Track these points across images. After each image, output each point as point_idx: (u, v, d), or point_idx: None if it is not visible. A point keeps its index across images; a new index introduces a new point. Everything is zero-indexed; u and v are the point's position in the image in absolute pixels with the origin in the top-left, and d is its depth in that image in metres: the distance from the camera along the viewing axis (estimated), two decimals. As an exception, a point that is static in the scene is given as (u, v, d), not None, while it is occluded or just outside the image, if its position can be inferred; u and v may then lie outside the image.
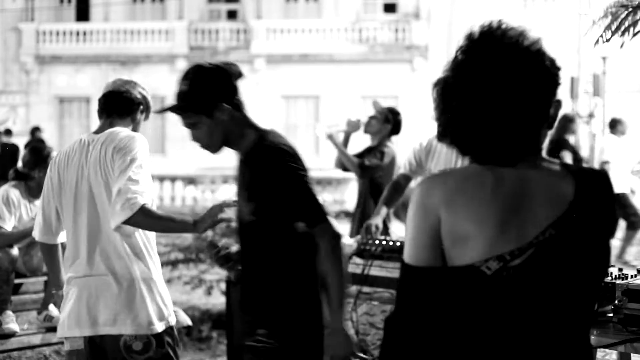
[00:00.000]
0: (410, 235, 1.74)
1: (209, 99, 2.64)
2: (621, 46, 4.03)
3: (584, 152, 24.00)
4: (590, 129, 23.48)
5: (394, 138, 6.08)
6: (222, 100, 2.64)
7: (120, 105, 3.38)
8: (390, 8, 26.84)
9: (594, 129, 23.29)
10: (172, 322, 3.32)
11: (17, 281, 5.09)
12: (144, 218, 3.01)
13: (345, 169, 6.12)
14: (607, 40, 4.02)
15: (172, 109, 2.73)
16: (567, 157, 8.19)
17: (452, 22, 25.85)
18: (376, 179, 5.92)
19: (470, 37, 1.74)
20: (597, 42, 4.07)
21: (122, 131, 3.26)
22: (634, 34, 3.97)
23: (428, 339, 1.72)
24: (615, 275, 3.06)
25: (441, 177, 1.76)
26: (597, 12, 4.16)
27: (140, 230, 3.19)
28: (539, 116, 1.72)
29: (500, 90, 1.67)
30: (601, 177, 1.76)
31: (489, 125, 1.69)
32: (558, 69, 1.74)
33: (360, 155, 6.03)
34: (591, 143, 23.74)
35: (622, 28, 3.96)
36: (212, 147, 2.72)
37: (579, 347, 1.74)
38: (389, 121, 5.98)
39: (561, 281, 1.68)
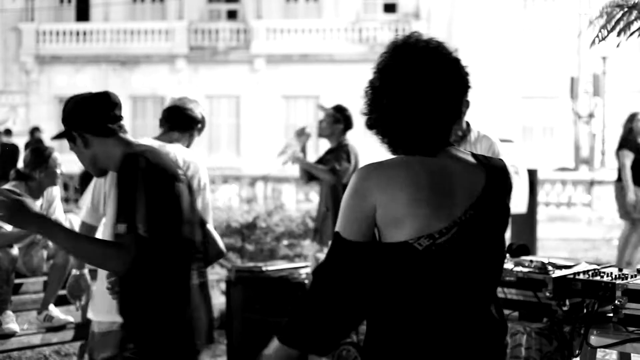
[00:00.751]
0: (345, 213, 1.97)
1: (69, 128, 2.84)
2: (617, 46, 4.02)
3: (584, 152, 24.06)
4: (590, 129, 23.49)
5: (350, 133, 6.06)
6: (79, 129, 2.81)
7: (183, 121, 3.93)
8: (390, 8, 26.84)
9: (594, 129, 23.30)
10: None
11: (17, 281, 5.09)
12: None
13: (310, 179, 6.09)
14: (604, 39, 4.01)
15: (55, 137, 2.97)
16: (627, 157, 8.12)
17: (452, 22, 25.84)
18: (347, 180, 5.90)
19: (395, 45, 2.03)
20: (593, 42, 4.06)
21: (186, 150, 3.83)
22: (630, 34, 3.96)
23: (348, 302, 1.96)
24: (615, 275, 3.07)
25: (376, 166, 1.98)
26: (593, 12, 4.15)
27: None
28: (455, 113, 2.03)
29: (426, 91, 1.97)
30: (504, 170, 2.08)
31: (417, 120, 1.98)
32: (469, 75, 2.06)
33: (323, 160, 6.00)
34: (591, 143, 23.74)
35: (618, 28, 3.95)
36: (89, 170, 2.90)
37: (491, 312, 2.03)
38: (339, 120, 5.96)
39: (478, 254, 1.98)
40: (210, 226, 3.07)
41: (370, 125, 2.05)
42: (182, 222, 2.71)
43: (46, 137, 15.84)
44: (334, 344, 2.01)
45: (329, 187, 5.93)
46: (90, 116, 2.80)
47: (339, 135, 5.97)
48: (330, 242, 2.03)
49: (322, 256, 4.30)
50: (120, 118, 2.84)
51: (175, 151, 3.85)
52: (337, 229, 1.98)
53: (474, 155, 2.07)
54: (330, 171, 5.78)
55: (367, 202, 1.93)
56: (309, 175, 6.07)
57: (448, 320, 1.94)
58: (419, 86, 1.96)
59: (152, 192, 2.62)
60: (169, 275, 2.68)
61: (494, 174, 2.03)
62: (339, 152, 5.89)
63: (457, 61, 2.02)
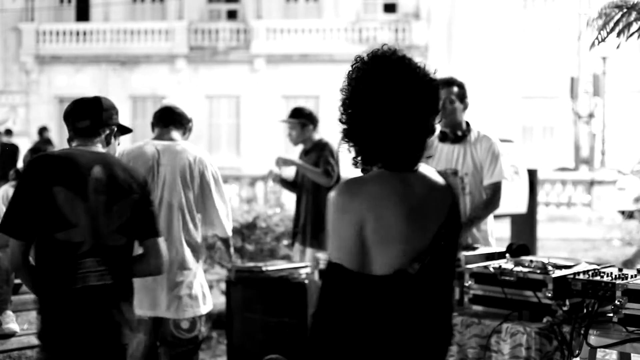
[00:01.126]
0: (339, 240, 1.96)
1: None
2: (617, 47, 4.01)
3: (584, 152, 24.06)
4: (590, 129, 23.48)
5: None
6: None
7: (177, 119, 4.18)
8: (390, 8, 26.83)
9: (594, 129, 23.29)
10: (210, 306, 4.10)
11: (17, 281, 5.09)
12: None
13: (292, 190, 6.08)
14: (603, 40, 4.01)
15: None
16: None
17: (452, 22, 25.84)
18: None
19: (372, 58, 2.15)
20: (592, 44, 4.05)
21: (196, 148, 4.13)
22: (630, 35, 3.95)
23: (355, 334, 1.95)
24: (615, 275, 3.07)
25: (360, 184, 2.00)
26: (593, 13, 4.15)
27: (199, 227, 4.05)
28: (430, 130, 2.09)
29: (406, 106, 2.01)
30: (456, 188, 2.21)
31: (398, 135, 2.01)
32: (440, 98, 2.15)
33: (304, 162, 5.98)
34: (591, 143, 23.74)
35: (617, 29, 3.95)
36: None
37: (450, 320, 2.18)
38: (305, 124, 5.91)
39: (447, 267, 2.08)
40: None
41: (347, 135, 2.08)
42: (55, 225, 2.78)
43: (53, 136, 15.83)
44: None
45: (311, 190, 5.87)
46: (66, 121, 3.06)
47: (312, 136, 5.94)
48: (326, 267, 2.02)
49: (321, 255, 4.30)
50: (86, 125, 2.97)
51: (187, 149, 4.04)
52: (337, 260, 1.97)
53: (440, 172, 2.16)
54: (324, 173, 5.72)
55: (355, 220, 1.94)
56: (288, 187, 6.07)
57: (422, 332, 2.02)
58: (401, 101, 2.01)
59: (18, 193, 2.83)
60: (47, 275, 2.81)
61: (454, 193, 2.14)
62: (322, 152, 5.80)
63: (436, 81, 2.09)
